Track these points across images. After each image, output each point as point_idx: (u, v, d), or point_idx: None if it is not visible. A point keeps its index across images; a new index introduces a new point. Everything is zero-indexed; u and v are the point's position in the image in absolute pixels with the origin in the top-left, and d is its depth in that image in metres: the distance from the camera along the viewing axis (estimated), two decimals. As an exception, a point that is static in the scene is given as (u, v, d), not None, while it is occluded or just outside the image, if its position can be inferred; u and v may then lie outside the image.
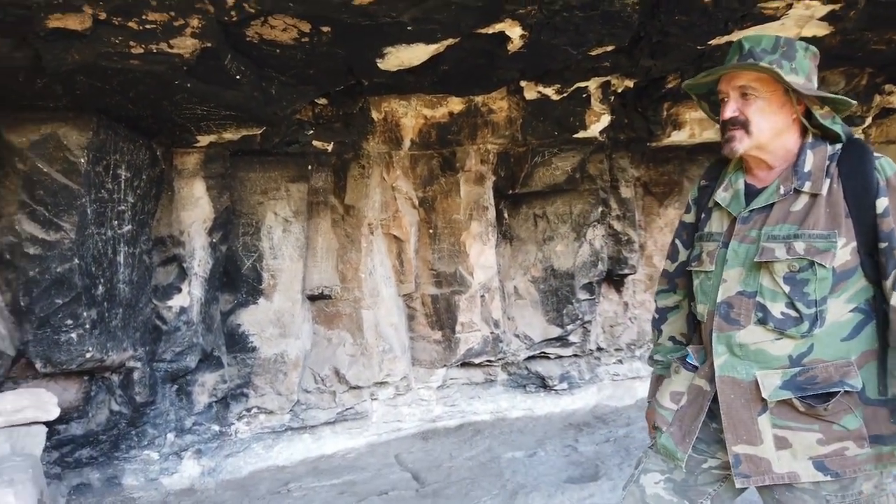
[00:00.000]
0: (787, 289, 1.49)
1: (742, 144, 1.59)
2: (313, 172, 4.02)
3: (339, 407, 4.14)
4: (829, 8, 3.12)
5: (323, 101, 3.80)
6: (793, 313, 1.48)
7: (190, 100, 2.98)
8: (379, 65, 3.19)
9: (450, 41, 3.03)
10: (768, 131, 1.58)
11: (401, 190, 4.23)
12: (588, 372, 4.94)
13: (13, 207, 2.76)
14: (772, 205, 1.57)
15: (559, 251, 4.64)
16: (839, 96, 1.54)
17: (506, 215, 4.64)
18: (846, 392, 1.43)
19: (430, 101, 4.06)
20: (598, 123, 4.20)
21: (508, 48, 3.20)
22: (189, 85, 2.83)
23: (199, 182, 3.56)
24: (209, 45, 2.57)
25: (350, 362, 4.11)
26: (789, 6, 3.09)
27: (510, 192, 4.48)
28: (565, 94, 4.04)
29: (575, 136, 4.24)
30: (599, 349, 4.98)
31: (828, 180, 1.50)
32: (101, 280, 2.98)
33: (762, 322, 1.52)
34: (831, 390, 1.43)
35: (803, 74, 1.56)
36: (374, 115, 4.03)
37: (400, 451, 4.13)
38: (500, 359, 4.57)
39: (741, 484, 1.53)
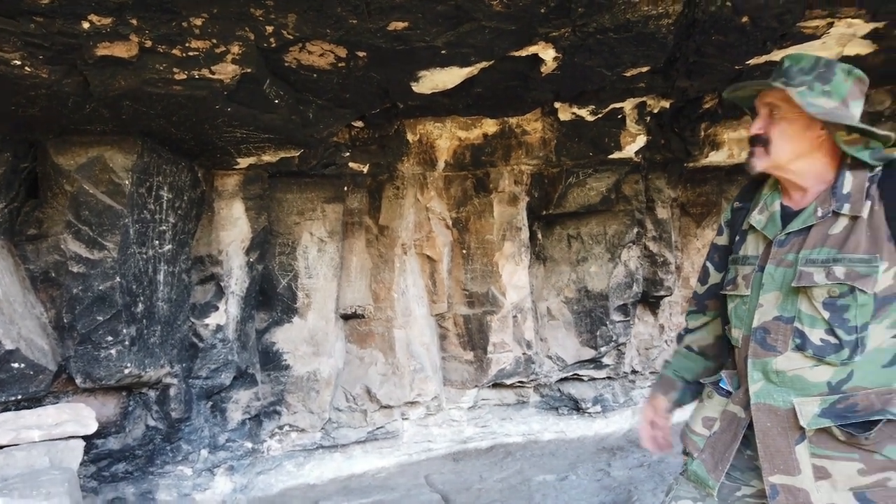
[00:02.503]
0: (826, 315, 1.45)
1: (760, 162, 1.59)
2: (349, 193, 4.07)
3: (370, 426, 4.14)
4: (871, 26, 3.06)
5: (359, 123, 3.86)
6: (832, 339, 1.44)
7: (230, 123, 3.05)
8: (413, 88, 3.23)
9: (483, 64, 3.05)
10: (788, 153, 1.55)
11: (434, 210, 4.26)
12: (622, 395, 4.86)
13: (59, 227, 2.86)
14: (809, 227, 1.53)
15: (593, 272, 4.60)
16: (867, 128, 1.47)
17: (539, 236, 4.63)
18: (888, 420, 1.38)
19: (464, 122, 4.09)
20: (633, 144, 4.18)
21: (542, 70, 3.21)
22: (229, 109, 2.90)
23: (238, 203, 3.63)
24: (249, 70, 2.64)
25: (381, 381, 4.12)
26: (830, 25, 3.04)
27: (544, 212, 4.47)
28: (600, 115, 4.03)
29: (610, 156, 4.22)
30: (634, 372, 4.91)
31: (868, 202, 1.46)
32: (141, 298, 3.06)
33: (800, 348, 1.48)
34: (873, 418, 1.39)
35: (838, 98, 1.51)
36: (409, 136, 4.08)
37: (430, 471, 4.12)
38: (532, 380, 4.53)
39: None
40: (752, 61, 3.33)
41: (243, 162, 3.52)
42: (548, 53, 3.03)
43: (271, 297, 3.89)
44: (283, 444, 3.96)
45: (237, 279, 3.62)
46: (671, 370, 1.92)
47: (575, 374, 4.72)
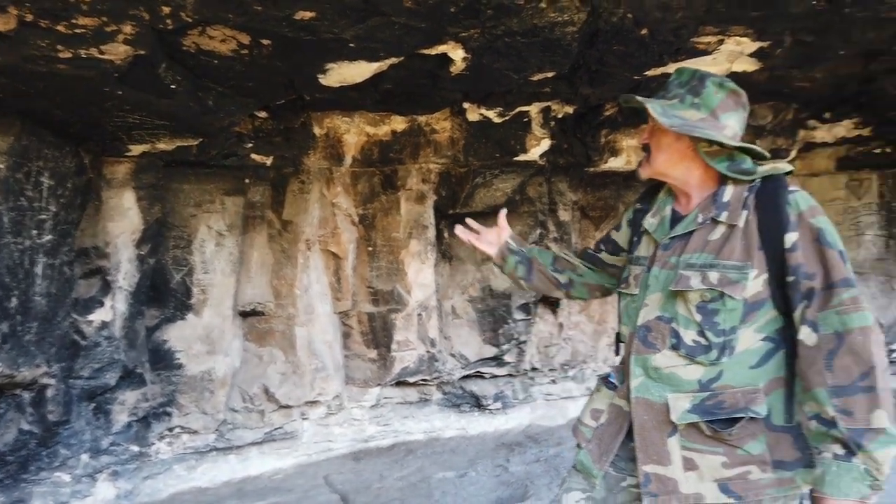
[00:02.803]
0: (698, 318, 1.53)
1: (644, 170, 1.69)
2: (250, 186, 3.92)
3: (268, 427, 4.02)
4: (758, 45, 3.26)
5: (263, 114, 3.72)
6: (703, 341, 1.52)
7: (121, 107, 2.86)
8: (321, 80, 3.16)
9: (393, 60, 3.02)
10: (663, 161, 1.65)
11: (340, 206, 4.19)
12: (522, 392, 4.98)
13: (-81, 212, 2.59)
14: (691, 233, 1.60)
15: (497, 272, 4.66)
16: (726, 141, 1.54)
17: (446, 235, 4.65)
18: (751, 418, 1.46)
19: (373, 118, 4.04)
20: (538, 147, 4.27)
21: (451, 70, 3.22)
22: (120, 92, 2.72)
23: (128, 192, 3.42)
24: (143, 52, 2.49)
25: (281, 381, 4.01)
26: (721, 42, 3.21)
27: (451, 211, 4.49)
28: (507, 118, 4.09)
29: (516, 158, 4.29)
30: (534, 369, 5.03)
31: (745, 212, 1.53)
32: (16, 292, 2.81)
33: (675, 347, 1.56)
34: (736, 416, 1.47)
35: (706, 110, 1.58)
36: (316, 130, 3.98)
37: (330, 471, 4.05)
38: (435, 378, 4.55)
39: (649, 502, 1.55)
40: (649, 72, 3.48)
41: (136, 149, 3.31)
42: (457, 53, 3.04)
43: (164, 293, 3.69)
44: (174, 447, 3.77)
45: (126, 273, 3.41)
46: (536, 248, 2.09)
47: (477, 372, 4.78)
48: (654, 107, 1.57)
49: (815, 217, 1.47)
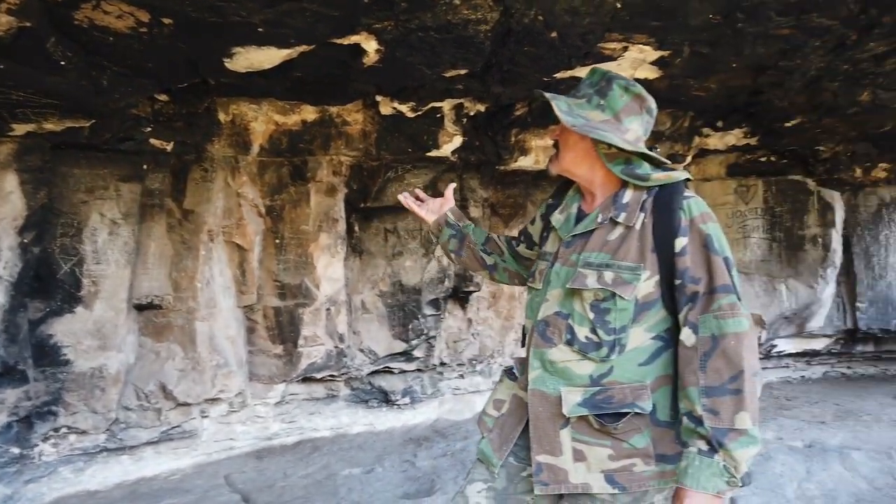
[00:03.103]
0: (591, 315, 1.57)
1: (553, 167, 1.73)
2: (149, 173, 3.72)
3: (165, 425, 3.84)
4: (659, 54, 3.42)
5: (164, 97, 3.54)
6: (595, 338, 1.56)
7: (3, 83, 2.65)
8: (227, 65, 3.04)
9: (304, 48, 2.95)
10: (569, 159, 1.70)
11: (246, 197, 4.05)
12: (430, 387, 5.00)
13: None
14: (591, 232, 1.64)
15: (408, 266, 4.67)
16: (621, 145, 1.56)
17: (356, 228, 4.60)
18: (636, 413, 1.52)
19: (282, 107, 3.92)
20: (450, 144, 4.30)
21: (364, 61, 3.18)
22: (2, 67, 2.51)
23: (10, 175, 3.16)
24: (28, 24, 2.31)
25: (179, 377, 3.83)
26: (626, 49, 3.34)
27: (362, 205, 4.45)
28: (420, 113, 4.09)
29: (428, 154, 4.31)
30: (443, 364, 5.06)
31: (642, 214, 1.57)
32: None
33: (569, 343, 1.60)
34: (623, 410, 1.52)
35: (611, 112, 1.61)
36: (221, 116, 3.83)
37: (231, 471, 3.91)
38: (343, 374, 4.50)
39: (540, 491, 1.60)
40: (559, 74, 3.58)
41: (19, 129, 3.07)
42: (370, 45, 3.00)
43: (50, 285, 3.44)
44: (60, 448, 3.52)
45: (7, 262, 3.16)
46: (472, 226, 2.11)
47: (386, 367, 4.76)
48: (559, 104, 1.60)
49: (706, 223, 1.52)
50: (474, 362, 5.20)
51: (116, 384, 3.61)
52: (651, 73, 3.68)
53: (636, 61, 3.50)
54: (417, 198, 2.19)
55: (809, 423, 4.78)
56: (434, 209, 2.14)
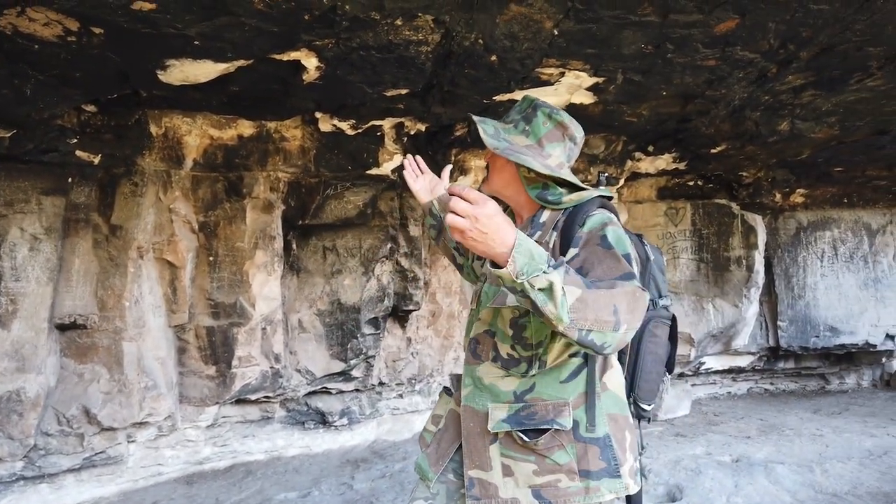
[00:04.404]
0: (511, 332, 1.61)
1: (484, 188, 1.77)
2: (74, 186, 3.56)
3: (88, 451, 3.64)
4: (594, 80, 3.52)
5: (92, 107, 3.41)
6: (515, 354, 1.60)
7: (-87, 88, 2.50)
8: (160, 77, 2.96)
9: (241, 62, 2.91)
10: (497, 182, 1.75)
11: (179, 212, 3.92)
12: (369, 407, 4.94)
13: None
14: None
15: (347, 285, 4.62)
16: (533, 166, 1.59)
17: (294, 246, 4.52)
18: (557, 429, 1.54)
19: (218, 121, 3.84)
20: (390, 162, 4.29)
21: (304, 78, 3.15)
22: (-87, 70, 2.38)
23: (-81, 185, 2.98)
24: (-56, 27, 2.19)
25: (104, 401, 3.65)
26: (562, 74, 3.43)
27: (300, 222, 4.38)
28: (360, 131, 4.08)
29: (368, 172, 4.29)
30: (381, 384, 5.01)
31: (555, 233, 1.62)
32: None
33: (495, 360, 1.64)
34: (543, 427, 1.55)
35: (534, 138, 1.67)
36: (153, 129, 3.71)
37: (158, 498, 3.74)
38: (279, 395, 4.39)
39: None
40: (498, 97, 3.64)
41: (-69, 137, 2.90)
42: (311, 62, 2.99)
43: (-38, 303, 3.24)
44: (-31, 480, 3.29)
45: (-87, 279, 2.95)
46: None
47: (324, 388, 4.67)
48: (486, 128, 1.66)
49: (604, 229, 1.52)
50: (413, 382, 5.17)
51: (35, 408, 3.41)
52: (586, 99, 3.79)
53: (572, 86, 3.60)
54: (419, 166, 2.23)
55: (736, 438, 4.96)
56: (427, 188, 2.17)
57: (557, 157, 1.68)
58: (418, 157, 2.25)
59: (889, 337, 6.50)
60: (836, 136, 4.64)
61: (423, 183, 2.19)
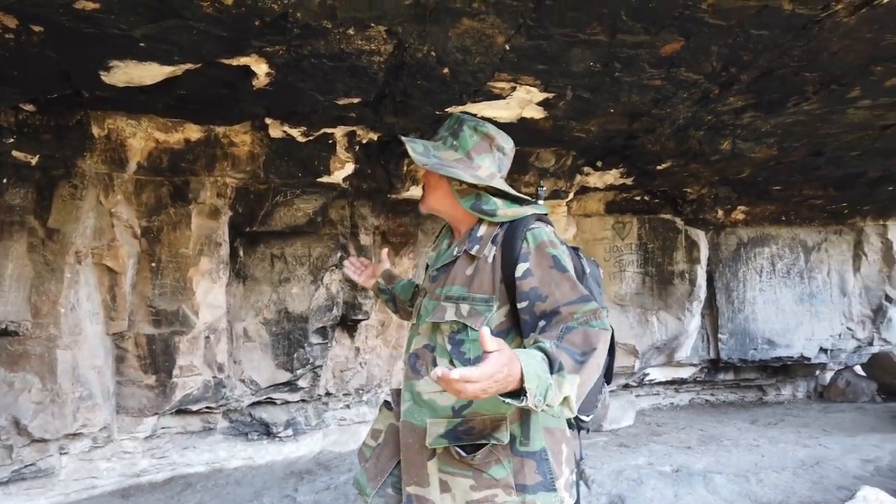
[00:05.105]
0: (449, 347, 1.63)
1: (421, 206, 1.80)
2: (9, 187, 3.42)
3: (17, 464, 3.48)
4: (544, 95, 3.58)
5: (30, 107, 3.28)
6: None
7: None
8: (103, 78, 2.88)
9: (189, 66, 2.85)
10: (433, 198, 1.78)
11: (120, 217, 3.81)
12: (315, 417, 4.87)
13: None
14: (452, 266, 1.70)
15: (295, 293, 4.56)
16: (464, 178, 1.63)
17: (241, 253, 4.44)
18: (494, 444, 1.55)
19: (164, 124, 3.75)
20: (342, 170, 4.27)
21: (254, 83, 3.11)
22: None
23: None
24: None
25: (36, 411, 3.50)
26: (514, 88, 3.48)
27: (248, 229, 4.30)
28: (311, 138, 4.04)
29: (319, 179, 4.25)
30: (328, 394, 4.96)
31: (493, 247, 1.64)
32: None
33: None
34: (481, 442, 1.56)
35: (462, 152, 1.71)
36: (95, 130, 3.60)
37: (92, 513, 3.61)
38: (221, 405, 4.29)
39: None
40: (450, 109, 3.66)
41: None
42: (261, 67, 2.95)
43: None
44: None
45: None
46: (401, 284, 2.19)
47: (268, 398, 4.59)
48: (415, 146, 1.69)
49: (549, 248, 1.58)
50: (361, 392, 5.13)
51: (-42, 420, 3.25)
52: (537, 113, 3.85)
53: (523, 101, 3.65)
54: (359, 264, 2.33)
55: (677, 449, 5.08)
56: (369, 274, 2.26)
57: (488, 168, 1.71)
58: (355, 259, 2.35)
59: (823, 350, 6.79)
60: (774, 157, 4.83)
61: (366, 274, 2.28)
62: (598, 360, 1.40)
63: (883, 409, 6.56)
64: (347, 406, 5.10)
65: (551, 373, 1.29)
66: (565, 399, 1.29)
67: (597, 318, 1.47)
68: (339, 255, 4.70)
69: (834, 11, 2.67)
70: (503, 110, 3.72)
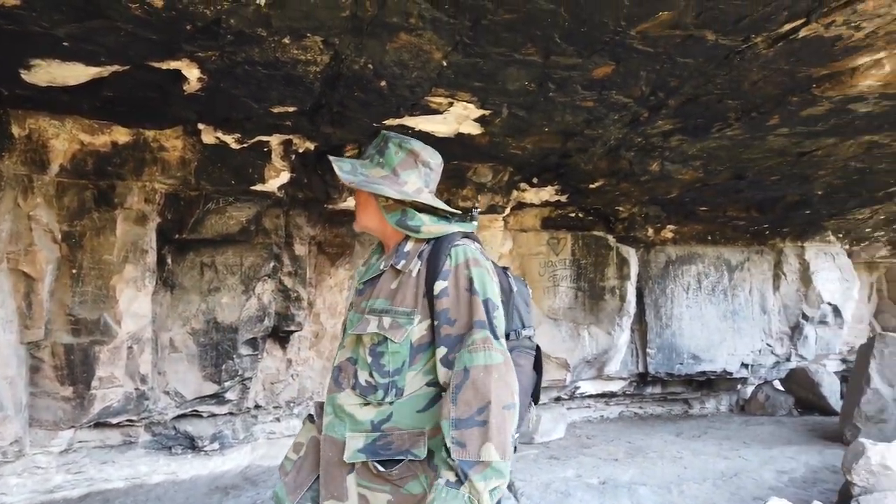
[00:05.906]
0: (370, 360, 1.63)
1: (355, 224, 1.82)
2: (-85, 185, 3.23)
3: (-86, 482, 3.27)
4: (481, 112, 3.63)
5: (-58, 103, 3.12)
6: (372, 381, 1.62)
7: None
8: (24, 76, 2.77)
9: (116, 68, 2.77)
10: (363, 215, 1.81)
11: (40, 220, 3.64)
12: (243, 431, 4.76)
13: None
14: (378, 280, 1.72)
15: (225, 303, 4.45)
16: (388, 194, 1.67)
17: (169, 261, 4.30)
18: (411, 460, 1.56)
19: (90, 125, 3.62)
20: (277, 179, 4.21)
21: (185, 88, 3.05)
22: None
23: None
24: None
25: (-62, 424, 3.30)
26: (451, 104, 3.51)
27: (177, 236, 4.18)
28: (246, 145, 3.97)
29: (253, 187, 4.18)
30: (258, 407, 4.85)
31: (419, 262, 1.66)
32: None
33: (354, 388, 1.65)
34: (397, 457, 1.57)
35: (388, 168, 1.74)
36: (15, 130, 3.44)
37: (-3, 532, 3.42)
38: (143, 418, 4.13)
39: None
40: (388, 122, 3.67)
41: None
42: (192, 72, 2.89)
43: None
44: None
45: None
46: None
47: (194, 411, 4.45)
48: (342, 165, 1.72)
49: (469, 268, 1.61)
50: (292, 405, 5.04)
51: None
52: (474, 129, 3.90)
53: (461, 117, 3.70)
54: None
55: (605, 461, 5.20)
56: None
57: (414, 183, 1.74)
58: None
59: (744, 365, 7.08)
60: (700, 179, 5.04)
61: None
62: (500, 404, 1.45)
63: (799, 422, 6.89)
64: (277, 419, 5.00)
65: (461, 483, 1.41)
66: (491, 492, 1.41)
67: (485, 347, 1.50)
68: (272, 264, 4.62)
69: (754, 43, 2.82)
70: (441, 125, 3.76)
